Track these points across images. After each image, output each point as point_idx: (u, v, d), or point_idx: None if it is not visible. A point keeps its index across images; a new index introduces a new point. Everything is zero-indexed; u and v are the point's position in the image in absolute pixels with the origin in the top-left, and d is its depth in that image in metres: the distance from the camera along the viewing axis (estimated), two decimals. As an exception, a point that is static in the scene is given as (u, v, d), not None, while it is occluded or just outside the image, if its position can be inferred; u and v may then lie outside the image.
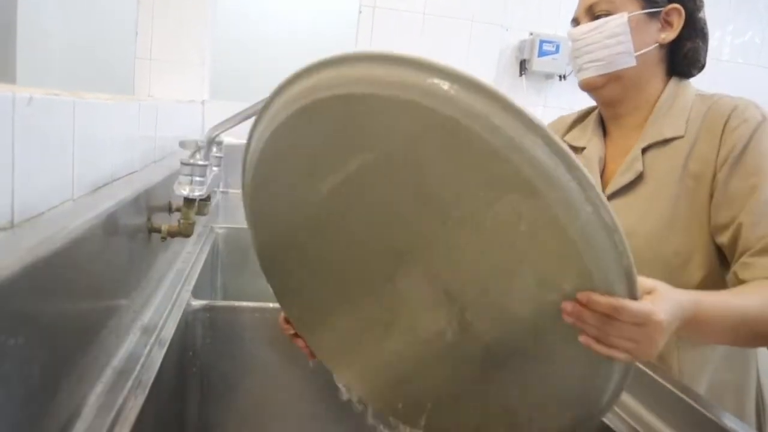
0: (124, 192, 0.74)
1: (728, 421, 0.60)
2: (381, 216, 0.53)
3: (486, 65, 2.13)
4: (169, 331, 0.81)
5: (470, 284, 0.52)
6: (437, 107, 0.42)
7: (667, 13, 0.86)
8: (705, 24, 0.90)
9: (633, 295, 0.47)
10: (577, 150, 0.98)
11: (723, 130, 0.80)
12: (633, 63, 0.86)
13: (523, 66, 2.15)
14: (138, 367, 0.69)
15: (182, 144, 0.80)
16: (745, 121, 0.79)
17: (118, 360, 0.69)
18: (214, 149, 0.91)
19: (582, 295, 0.45)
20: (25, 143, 0.53)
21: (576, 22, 0.92)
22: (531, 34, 2.11)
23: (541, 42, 2.07)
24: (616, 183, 0.89)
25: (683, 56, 0.89)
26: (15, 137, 0.51)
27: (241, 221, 1.59)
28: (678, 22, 0.86)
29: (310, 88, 0.50)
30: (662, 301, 0.51)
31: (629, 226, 0.88)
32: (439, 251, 0.51)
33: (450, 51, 2.09)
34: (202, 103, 1.97)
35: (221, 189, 1.96)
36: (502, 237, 0.46)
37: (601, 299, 0.45)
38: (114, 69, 2.00)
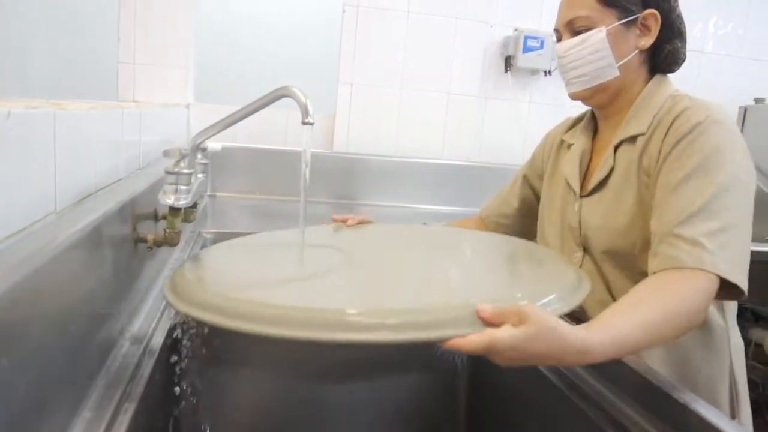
0: (108, 203, 0.73)
1: (701, 407, 0.62)
2: None
3: (471, 62, 2.13)
4: (158, 341, 0.80)
5: None
6: None
7: (645, 18, 0.89)
8: (681, 21, 0.93)
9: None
10: (569, 146, 1.05)
11: (668, 129, 0.84)
12: (616, 73, 0.90)
13: (508, 62, 2.15)
14: (127, 379, 0.69)
15: (166, 153, 0.79)
16: (687, 121, 0.82)
17: (106, 372, 0.69)
18: (199, 156, 0.90)
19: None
20: (5, 158, 0.52)
21: (558, 33, 0.96)
22: (515, 30, 2.11)
23: (526, 38, 2.07)
24: (595, 178, 0.95)
25: (664, 58, 0.92)
26: (-6, 153, 0.50)
27: (229, 226, 1.59)
28: (655, 27, 0.89)
29: None
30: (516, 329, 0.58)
31: (599, 221, 0.92)
32: None
33: (435, 49, 2.09)
34: (187, 106, 1.96)
35: (209, 193, 1.95)
36: None
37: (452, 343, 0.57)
38: (97, 74, 1.98)
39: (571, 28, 0.92)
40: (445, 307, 0.61)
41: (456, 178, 2.13)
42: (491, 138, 2.21)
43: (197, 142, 0.84)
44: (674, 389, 0.66)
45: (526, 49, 2.06)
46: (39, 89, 2.00)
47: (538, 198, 1.13)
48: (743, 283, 0.73)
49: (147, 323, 0.84)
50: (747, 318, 2.05)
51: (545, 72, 2.14)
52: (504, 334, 0.57)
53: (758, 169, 2.40)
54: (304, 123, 0.75)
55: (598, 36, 0.88)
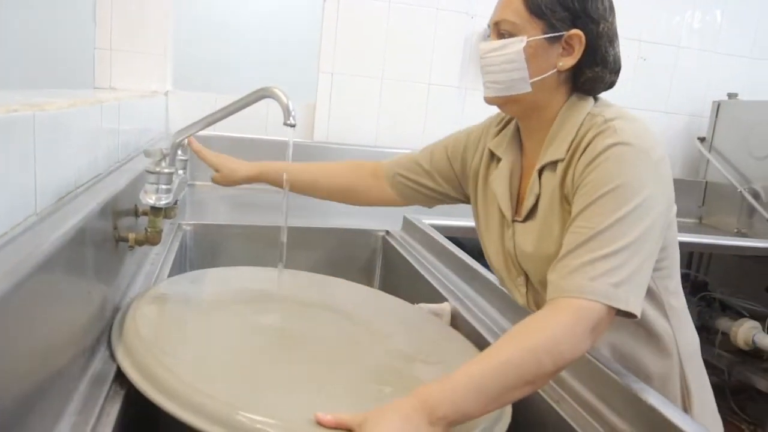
0: (89, 203, 0.73)
1: (654, 400, 0.66)
2: None
3: (452, 53, 2.14)
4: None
5: None
6: None
7: (569, 38, 0.84)
8: (609, 47, 0.86)
9: None
10: (498, 159, 0.99)
11: (580, 157, 0.81)
12: (528, 89, 0.86)
13: (488, 53, 2.16)
14: (111, 377, 0.69)
15: (147, 153, 0.79)
16: (594, 148, 0.79)
17: (91, 371, 0.69)
18: (179, 152, 0.90)
19: None
20: (-14, 166, 0.52)
21: (489, 29, 0.91)
22: (496, 21, 2.12)
23: (506, 29, 2.08)
24: (525, 205, 0.91)
25: (582, 83, 0.88)
26: (-25, 161, 0.50)
27: (209, 217, 1.58)
28: (578, 49, 0.84)
29: None
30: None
31: (531, 249, 0.89)
32: None
33: (415, 39, 2.09)
34: (166, 94, 1.94)
35: (188, 182, 1.94)
36: None
37: None
38: (73, 60, 1.95)
39: (498, 29, 0.87)
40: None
41: (436, 169, 2.14)
42: (471, 128, 2.23)
43: (177, 140, 0.84)
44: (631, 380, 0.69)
45: (507, 41, 2.08)
46: (15, 77, 1.95)
47: (458, 181, 1.09)
48: (633, 307, 0.71)
49: (128, 321, 0.84)
50: (714, 308, 2.11)
51: (525, 63, 2.16)
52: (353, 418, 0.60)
53: (730, 164, 2.45)
54: (285, 124, 0.75)
55: (516, 46, 0.84)
